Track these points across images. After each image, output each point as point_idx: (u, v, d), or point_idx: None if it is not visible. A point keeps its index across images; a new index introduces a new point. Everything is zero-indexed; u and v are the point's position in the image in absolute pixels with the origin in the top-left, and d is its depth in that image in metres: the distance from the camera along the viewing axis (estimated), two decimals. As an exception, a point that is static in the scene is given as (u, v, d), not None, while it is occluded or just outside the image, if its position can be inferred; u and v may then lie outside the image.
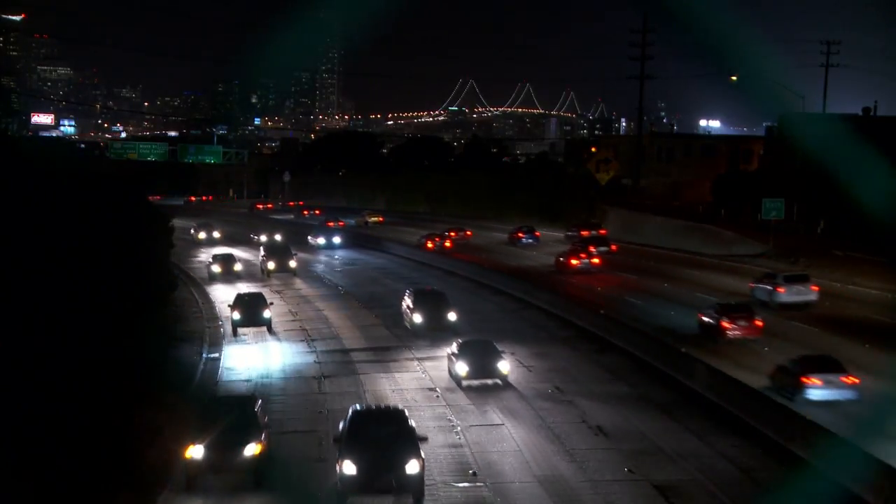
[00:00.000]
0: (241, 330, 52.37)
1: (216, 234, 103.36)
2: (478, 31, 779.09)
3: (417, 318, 49.66)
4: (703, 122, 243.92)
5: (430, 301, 50.77)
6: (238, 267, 73.43)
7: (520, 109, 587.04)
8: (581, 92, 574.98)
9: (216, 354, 47.07)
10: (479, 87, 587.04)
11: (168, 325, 51.09)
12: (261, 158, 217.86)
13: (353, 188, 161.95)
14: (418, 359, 44.94)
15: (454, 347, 40.83)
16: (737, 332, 44.84)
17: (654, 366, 40.98)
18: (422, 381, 40.73)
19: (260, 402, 31.00)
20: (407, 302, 51.94)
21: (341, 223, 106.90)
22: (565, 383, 39.80)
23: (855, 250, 67.05)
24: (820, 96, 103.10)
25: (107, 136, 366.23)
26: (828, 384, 34.72)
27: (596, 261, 70.67)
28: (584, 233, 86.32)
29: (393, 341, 49.24)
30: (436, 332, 48.47)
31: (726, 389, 34.78)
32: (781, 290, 53.01)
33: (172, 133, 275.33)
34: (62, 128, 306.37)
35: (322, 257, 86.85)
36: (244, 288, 62.22)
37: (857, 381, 35.05)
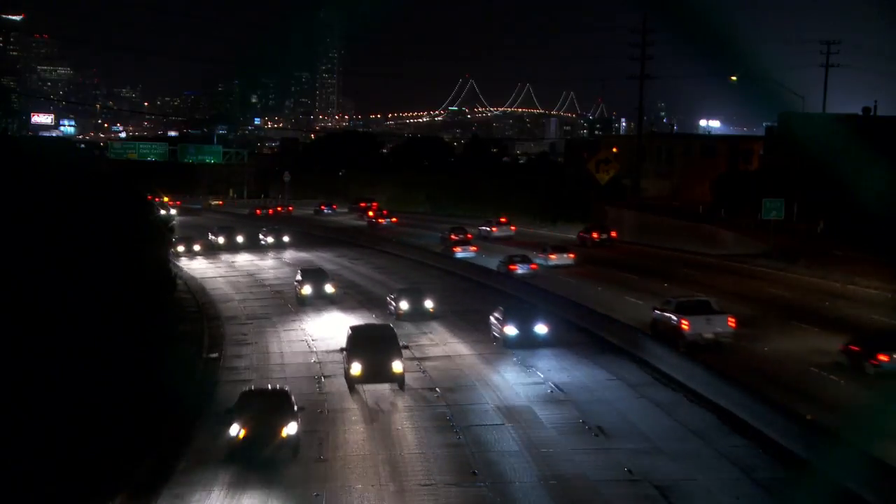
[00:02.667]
0: (241, 329, 52.53)
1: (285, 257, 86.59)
2: (478, 31, 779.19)
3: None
4: (703, 122, 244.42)
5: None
6: (330, 289, 60.51)
7: (520, 109, 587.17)
8: (581, 92, 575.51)
9: (216, 355, 47.07)
10: (479, 87, 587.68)
11: (167, 325, 51.09)
12: (261, 158, 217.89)
13: (353, 188, 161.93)
14: (418, 359, 44.95)
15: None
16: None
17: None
18: (423, 381, 40.74)
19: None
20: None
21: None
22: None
23: (855, 250, 67.03)
24: (820, 96, 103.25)
25: (107, 136, 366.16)
26: (701, 325, 43.46)
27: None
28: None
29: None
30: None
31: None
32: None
33: (172, 133, 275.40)
34: (62, 128, 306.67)
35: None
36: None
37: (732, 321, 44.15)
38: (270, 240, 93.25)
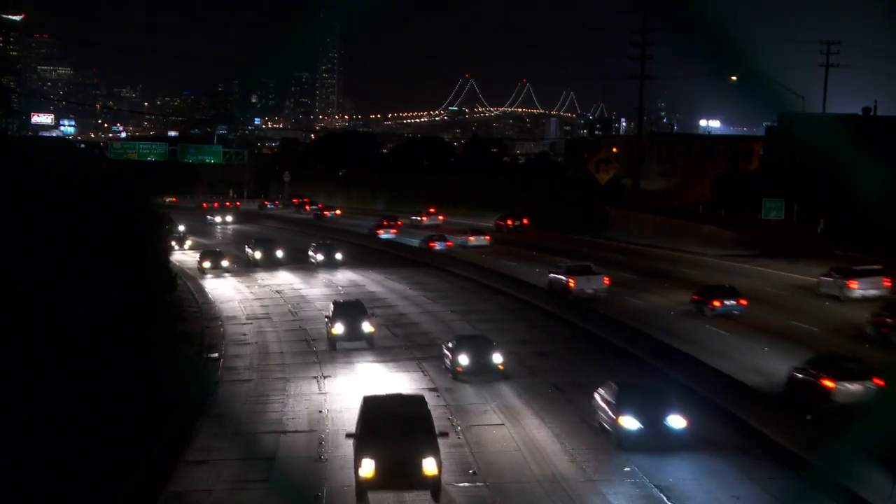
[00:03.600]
0: (241, 330, 52.48)
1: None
2: (478, 31, 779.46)
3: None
4: (703, 122, 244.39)
5: None
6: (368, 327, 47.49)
7: (520, 109, 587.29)
8: (581, 92, 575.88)
9: (216, 355, 47.09)
10: (479, 87, 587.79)
11: (167, 324, 51.09)
12: (261, 158, 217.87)
13: (353, 188, 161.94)
14: (418, 359, 45.00)
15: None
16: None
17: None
18: (423, 381, 40.75)
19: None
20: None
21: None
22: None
23: (855, 250, 67.03)
24: (820, 96, 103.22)
25: (107, 136, 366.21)
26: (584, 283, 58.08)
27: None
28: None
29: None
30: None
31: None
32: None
33: (172, 133, 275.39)
34: (62, 128, 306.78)
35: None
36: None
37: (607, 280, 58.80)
38: (320, 257, 78.95)
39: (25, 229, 35.32)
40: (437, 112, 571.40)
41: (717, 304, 51.47)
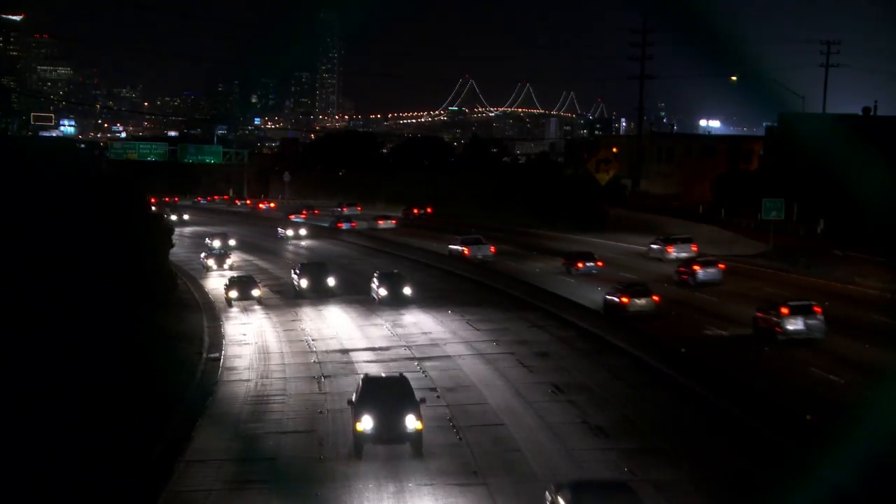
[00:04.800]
0: (242, 332, 52.60)
1: None
2: (478, 31, 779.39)
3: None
4: (703, 122, 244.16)
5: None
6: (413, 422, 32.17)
7: (520, 109, 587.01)
8: (581, 92, 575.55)
9: (216, 355, 47.06)
10: (479, 87, 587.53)
11: (167, 324, 51.13)
12: (261, 158, 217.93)
13: (353, 188, 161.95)
14: (417, 359, 45.00)
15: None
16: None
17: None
18: (422, 382, 40.76)
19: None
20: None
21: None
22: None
23: (855, 250, 67.04)
24: (820, 96, 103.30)
25: (107, 136, 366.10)
26: (475, 251, 78.73)
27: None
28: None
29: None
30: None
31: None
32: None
33: (172, 133, 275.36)
34: (62, 128, 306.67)
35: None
36: None
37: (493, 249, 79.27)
38: (383, 292, 59.42)
39: (24, 229, 35.33)
40: (437, 112, 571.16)
41: (580, 265, 69.55)
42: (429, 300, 60.40)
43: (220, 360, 46.01)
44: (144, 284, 45.73)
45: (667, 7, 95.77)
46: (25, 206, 36.32)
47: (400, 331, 51.71)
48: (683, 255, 71.17)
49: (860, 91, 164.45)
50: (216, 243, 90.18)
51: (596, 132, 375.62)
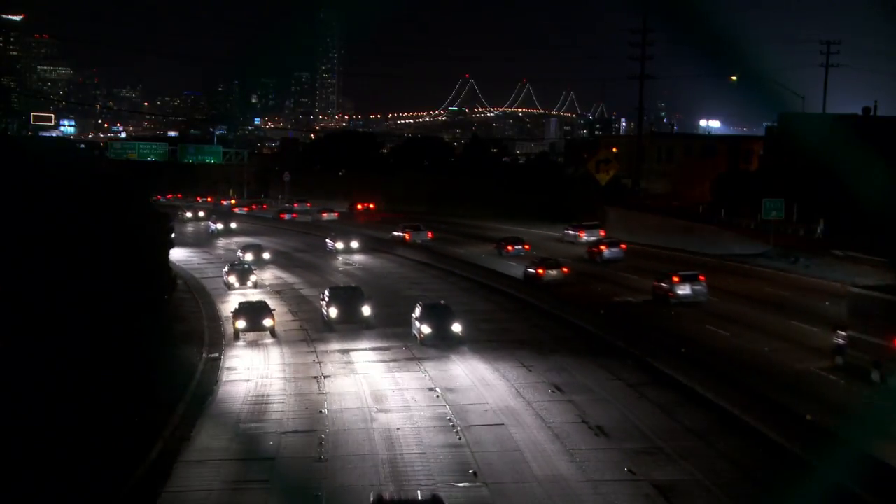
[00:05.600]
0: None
1: None
2: (478, 31, 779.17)
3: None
4: (703, 122, 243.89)
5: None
6: None
7: (520, 109, 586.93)
8: (581, 92, 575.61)
9: (216, 355, 47.05)
10: (479, 87, 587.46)
11: (166, 324, 51.09)
12: (261, 158, 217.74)
13: (352, 188, 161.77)
14: (418, 359, 45.01)
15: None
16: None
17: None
18: (422, 382, 40.77)
19: None
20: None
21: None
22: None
23: (855, 250, 67.03)
24: (820, 96, 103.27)
25: (107, 136, 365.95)
26: (415, 236, 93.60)
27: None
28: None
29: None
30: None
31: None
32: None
33: (172, 133, 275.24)
34: (62, 128, 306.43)
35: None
36: None
37: (430, 234, 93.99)
38: (427, 330, 47.74)
39: (21, 229, 35.30)
40: (437, 112, 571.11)
41: (510, 248, 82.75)
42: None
43: (219, 360, 46.05)
44: (142, 283, 45.69)
45: (667, 7, 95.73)
46: (24, 205, 36.30)
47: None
48: (592, 238, 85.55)
49: (860, 91, 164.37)
50: (248, 256, 78.89)
51: (596, 132, 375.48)
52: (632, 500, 26.77)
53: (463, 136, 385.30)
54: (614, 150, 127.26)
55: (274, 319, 51.33)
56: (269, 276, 74.51)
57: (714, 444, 31.10)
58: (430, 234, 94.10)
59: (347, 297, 54.14)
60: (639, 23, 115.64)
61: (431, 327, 47.32)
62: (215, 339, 50.86)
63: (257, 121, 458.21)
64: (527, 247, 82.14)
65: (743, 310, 54.23)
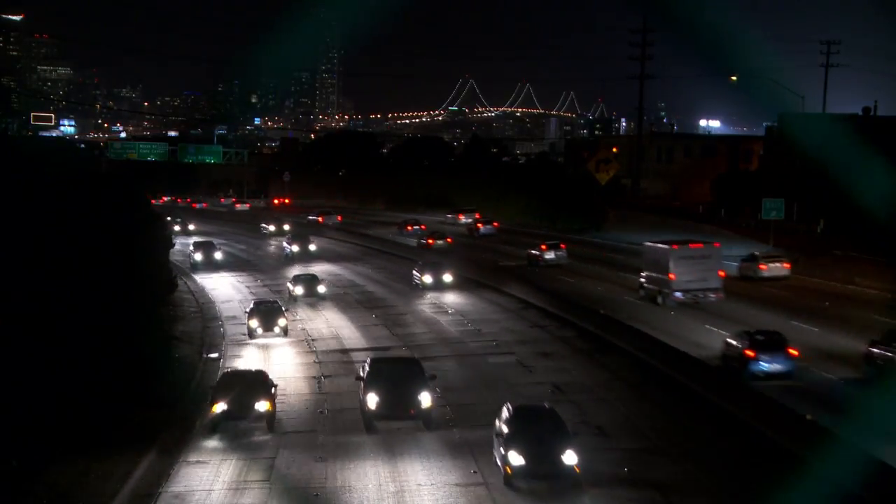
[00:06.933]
0: (241, 330, 52.54)
1: None
2: (478, 31, 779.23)
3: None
4: (703, 122, 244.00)
5: None
6: None
7: (520, 109, 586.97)
8: (581, 92, 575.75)
9: (216, 355, 47.02)
10: (479, 87, 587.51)
11: (166, 325, 51.09)
12: (261, 158, 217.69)
13: (352, 188, 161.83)
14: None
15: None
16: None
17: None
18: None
19: None
20: None
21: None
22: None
23: (855, 250, 67.01)
24: (820, 96, 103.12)
25: (107, 136, 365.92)
26: (328, 220, 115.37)
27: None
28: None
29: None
30: None
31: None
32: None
33: (172, 133, 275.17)
34: (62, 128, 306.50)
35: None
36: None
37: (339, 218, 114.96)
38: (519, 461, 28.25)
39: (21, 229, 35.28)
40: (437, 112, 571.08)
41: (409, 228, 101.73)
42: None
43: (219, 360, 46.06)
44: (141, 283, 45.68)
45: (666, 7, 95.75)
46: (22, 205, 36.29)
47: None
48: (469, 220, 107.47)
49: (860, 91, 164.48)
50: (298, 290, 61.75)
51: (596, 132, 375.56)
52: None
53: (463, 136, 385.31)
54: (614, 150, 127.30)
55: (271, 405, 34.46)
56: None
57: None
58: (339, 218, 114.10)
59: (395, 373, 34.51)
60: (639, 23, 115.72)
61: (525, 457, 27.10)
62: (215, 339, 50.88)
63: (257, 121, 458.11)
64: (423, 227, 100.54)
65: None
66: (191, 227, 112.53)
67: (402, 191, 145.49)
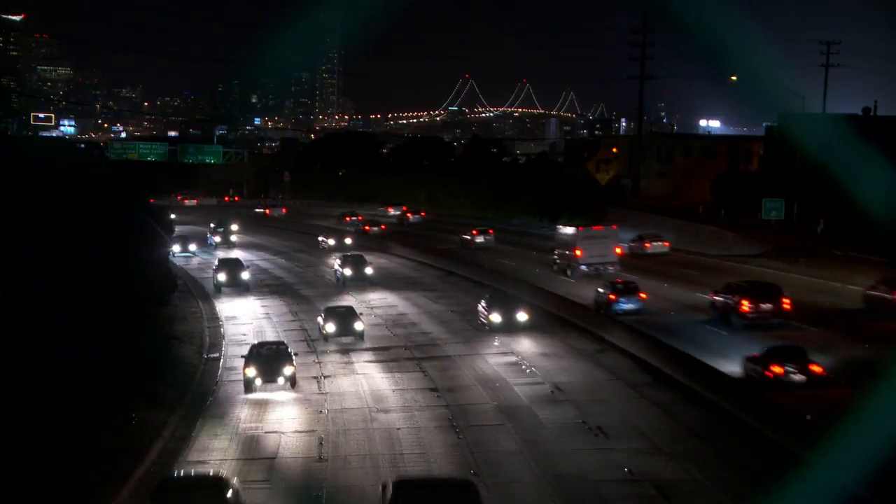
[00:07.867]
0: (241, 330, 52.49)
1: None
2: (478, 31, 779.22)
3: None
4: (703, 122, 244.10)
5: None
6: None
7: (519, 110, 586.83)
8: (581, 92, 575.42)
9: (216, 355, 47.04)
10: (479, 87, 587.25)
11: (166, 324, 51.12)
12: (261, 158, 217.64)
13: (352, 188, 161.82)
14: (417, 358, 45.05)
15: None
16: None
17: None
18: (422, 382, 40.79)
19: None
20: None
21: None
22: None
23: (855, 250, 66.98)
24: (820, 96, 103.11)
25: (107, 136, 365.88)
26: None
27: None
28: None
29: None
30: None
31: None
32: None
33: (172, 133, 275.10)
34: (62, 128, 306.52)
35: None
36: None
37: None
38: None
39: (19, 229, 35.30)
40: (437, 112, 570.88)
41: (347, 219, 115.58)
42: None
43: (219, 360, 46.06)
44: (141, 283, 45.71)
45: (666, 7, 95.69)
46: (23, 205, 36.30)
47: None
48: (398, 212, 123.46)
49: (860, 91, 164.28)
50: (330, 328, 49.01)
51: (596, 132, 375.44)
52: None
53: (463, 136, 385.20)
54: (614, 150, 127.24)
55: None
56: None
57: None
58: (283, 210, 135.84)
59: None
60: (639, 23, 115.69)
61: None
62: (215, 339, 50.89)
63: (257, 121, 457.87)
64: (359, 217, 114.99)
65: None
66: (233, 237, 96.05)
67: (401, 191, 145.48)
